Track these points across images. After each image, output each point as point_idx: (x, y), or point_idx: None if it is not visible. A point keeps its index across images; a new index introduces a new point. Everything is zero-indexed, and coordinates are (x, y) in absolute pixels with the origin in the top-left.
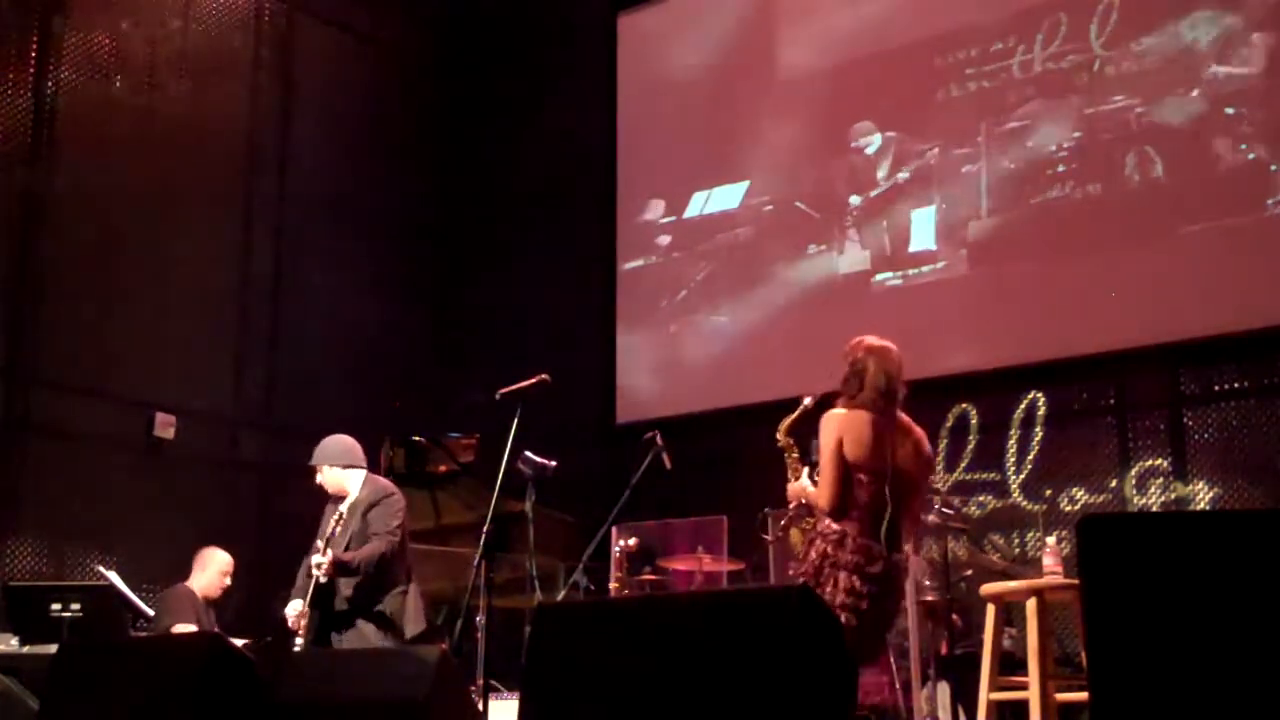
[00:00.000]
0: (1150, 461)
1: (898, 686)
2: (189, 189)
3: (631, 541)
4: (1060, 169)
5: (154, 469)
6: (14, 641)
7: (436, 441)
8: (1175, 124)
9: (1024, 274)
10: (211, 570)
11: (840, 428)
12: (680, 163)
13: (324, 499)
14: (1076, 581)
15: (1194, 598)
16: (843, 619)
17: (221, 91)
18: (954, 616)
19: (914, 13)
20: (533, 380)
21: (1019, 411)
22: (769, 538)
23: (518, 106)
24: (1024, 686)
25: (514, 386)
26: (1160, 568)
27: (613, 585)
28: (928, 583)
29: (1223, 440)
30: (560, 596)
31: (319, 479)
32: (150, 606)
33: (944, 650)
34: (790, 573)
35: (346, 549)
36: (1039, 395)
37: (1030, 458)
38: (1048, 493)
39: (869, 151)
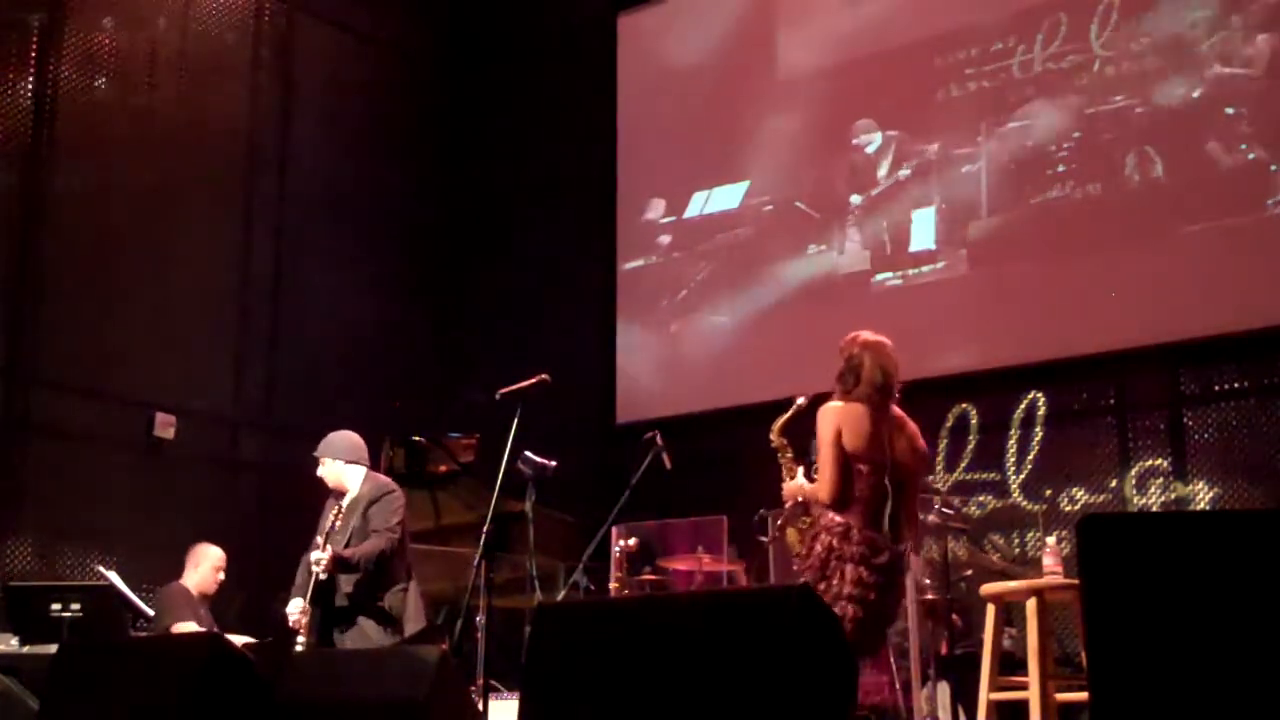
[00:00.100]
0: (1150, 461)
1: (898, 686)
2: (189, 189)
3: (631, 541)
4: (1060, 169)
5: (154, 469)
6: (14, 641)
7: (436, 441)
8: (1175, 124)
9: (1024, 274)
10: (205, 566)
11: (838, 419)
12: (680, 163)
13: (324, 496)
14: (1076, 581)
15: (1194, 598)
16: (849, 611)
17: (221, 91)
18: (954, 616)
19: (914, 13)
20: (533, 380)
21: (1019, 411)
22: (765, 539)
23: (518, 106)
24: (1024, 686)
25: (514, 386)
26: (1160, 568)
27: (613, 585)
28: (928, 582)
29: (1223, 440)
30: (560, 596)
31: (320, 471)
32: (149, 606)
33: (944, 650)
34: (795, 568)
35: (347, 545)
36: (1039, 395)
37: (1030, 458)
38: (1048, 493)
39: (869, 150)
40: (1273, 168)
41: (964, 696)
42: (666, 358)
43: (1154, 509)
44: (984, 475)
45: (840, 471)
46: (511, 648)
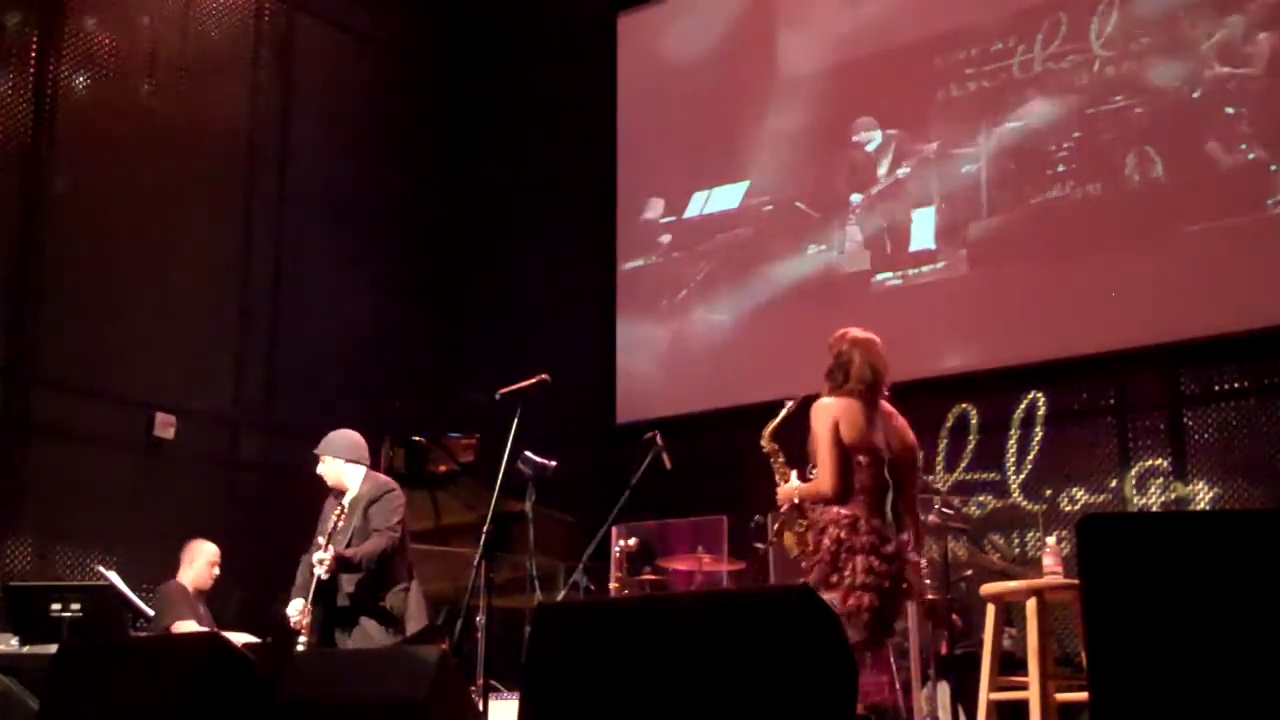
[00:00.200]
0: (1150, 461)
1: (898, 686)
2: (189, 189)
3: (631, 541)
4: (1060, 169)
5: (154, 469)
6: (14, 641)
7: (436, 441)
8: (1175, 124)
9: (1024, 274)
10: (200, 562)
11: (835, 413)
12: (680, 163)
13: (324, 496)
14: (1076, 581)
15: (1194, 598)
16: (865, 600)
17: (221, 91)
18: (954, 616)
19: (914, 13)
20: (533, 380)
21: (1019, 411)
22: (761, 546)
23: (518, 106)
24: (1024, 686)
25: (514, 386)
26: (1160, 568)
27: (613, 585)
28: (928, 582)
29: (1223, 440)
30: (560, 596)
31: (320, 469)
32: (148, 606)
33: (944, 650)
34: (803, 565)
35: (348, 545)
36: (1039, 395)
37: (1030, 458)
38: (1048, 493)
39: (869, 148)
40: (1273, 168)
41: (964, 696)
42: (666, 358)
43: (1154, 509)
44: (984, 475)
45: (841, 464)
46: (511, 648)
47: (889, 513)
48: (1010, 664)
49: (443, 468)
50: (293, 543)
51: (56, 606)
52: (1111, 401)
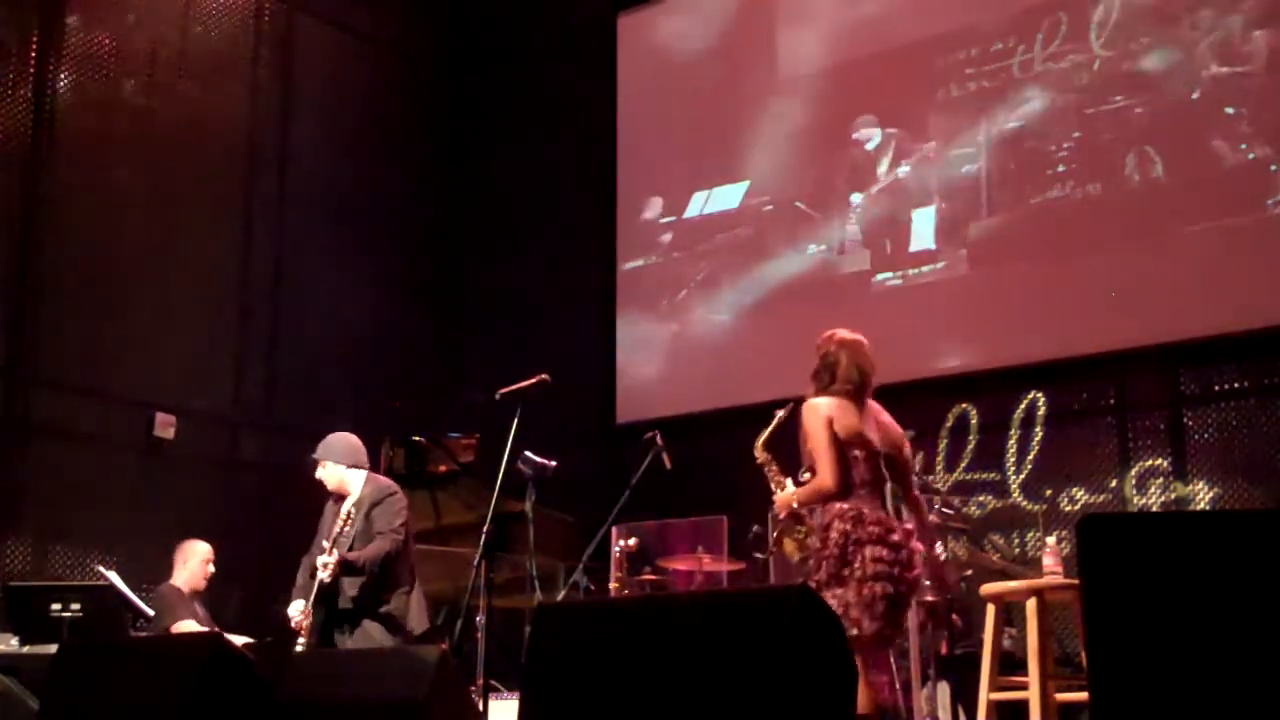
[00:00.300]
0: (1150, 461)
1: (898, 686)
2: (189, 189)
3: (631, 541)
4: (1060, 169)
5: (154, 469)
6: (14, 641)
7: (436, 441)
8: (1175, 124)
9: (1024, 274)
10: (194, 562)
11: (827, 411)
12: (680, 162)
13: (323, 496)
14: (1076, 581)
15: (1194, 598)
16: (878, 589)
17: (221, 91)
18: (954, 616)
19: (914, 13)
20: (533, 380)
21: (1019, 411)
22: (761, 556)
23: (518, 106)
24: (1024, 686)
25: (514, 386)
26: (1160, 568)
27: (613, 585)
28: (928, 583)
29: (1223, 440)
30: (560, 596)
31: (319, 474)
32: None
33: (944, 650)
34: (810, 562)
35: (350, 548)
36: (1039, 395)
37: (1030, 458)
38: (1048, 493)
39: (869, 147)
40: (1273, 168)
41: (964, 696)
42: (666, 358)
43: (1154, 509)
44: (984, 475)
45: (839, 459)
46: (511, 648)
47: (889, 504)
48: (1010, 664)
49: (443, 468)
50: (293, 543)
51: (56, 606)
52: (1111, 401)
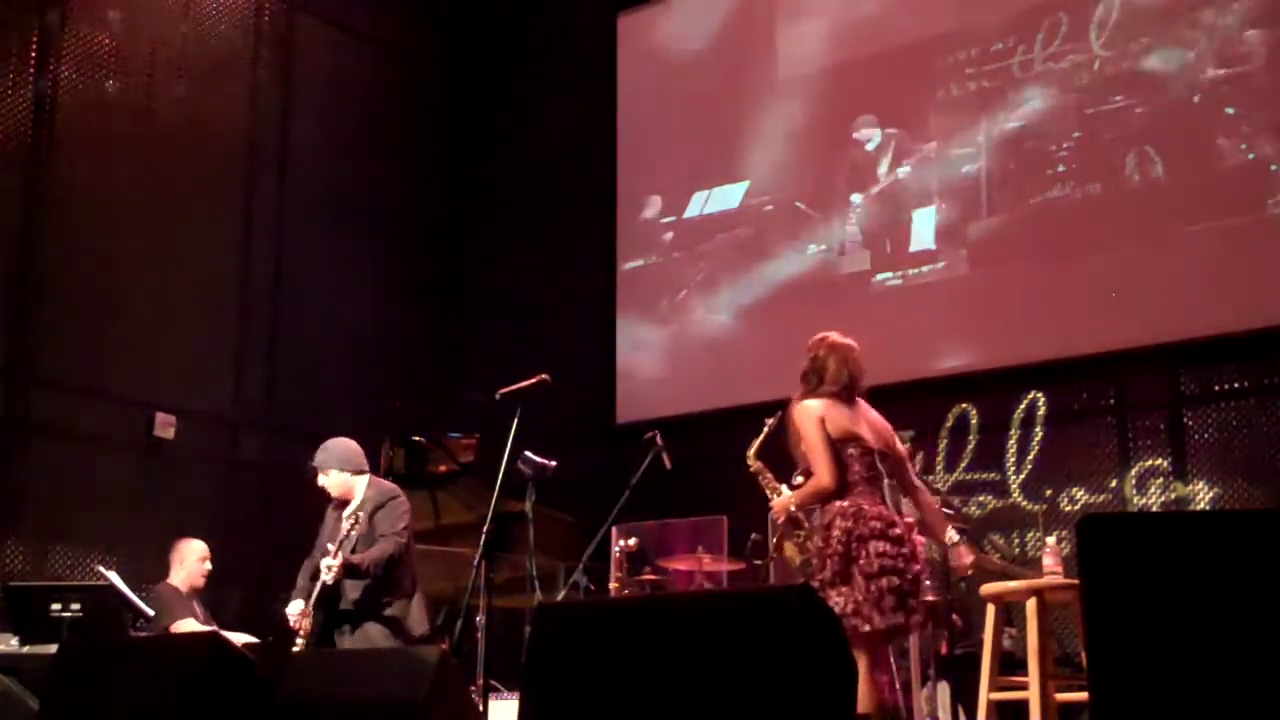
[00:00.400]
0: (1150, 461)
1: (898, 686)
2: (189, 189)
3: (631, 541)
4: (1060, 169)
5: (154, 469)
6: (14, 641)
7: (436, 441)
8: (1175, 124)
9: (1024, 274)
10: (190, 560)
11: (820, 411)
12: (680, 162)
13: (323, 498)
14: (1076, 581)
15: (1194, 598)
16: (885, 583)
17: (221, 91)
18: (954, 616)
19: (914, 13)
20: (533, 380)
21: (1019, 411)
22: (760, 563)
23: (518, 106)
24: (1024, 686)
25: (514, 386)
26: (1160, 568)
27: (613, 585)
28: (928, 582)
29: (1223, 440)
30: (560, 596)
31: (322, 482)
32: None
33: (944, 650)
34: (814, 561)
35: (353, 552)
36: (1039, 395)
37: (1030, 458)
38: (1048, 493)
39: (869, 147)
40: (1273, 168)
41: (964, 696)
42: (666, 358)
43: (1154, 509)
44: (984, 475)
45: (834, 457)
46: (511, 648)
47: (888, 500)
48: (1010, 664)
49: (443, 468)
50: (293, 543)
51: (56, 606)
52: (1111, 401)
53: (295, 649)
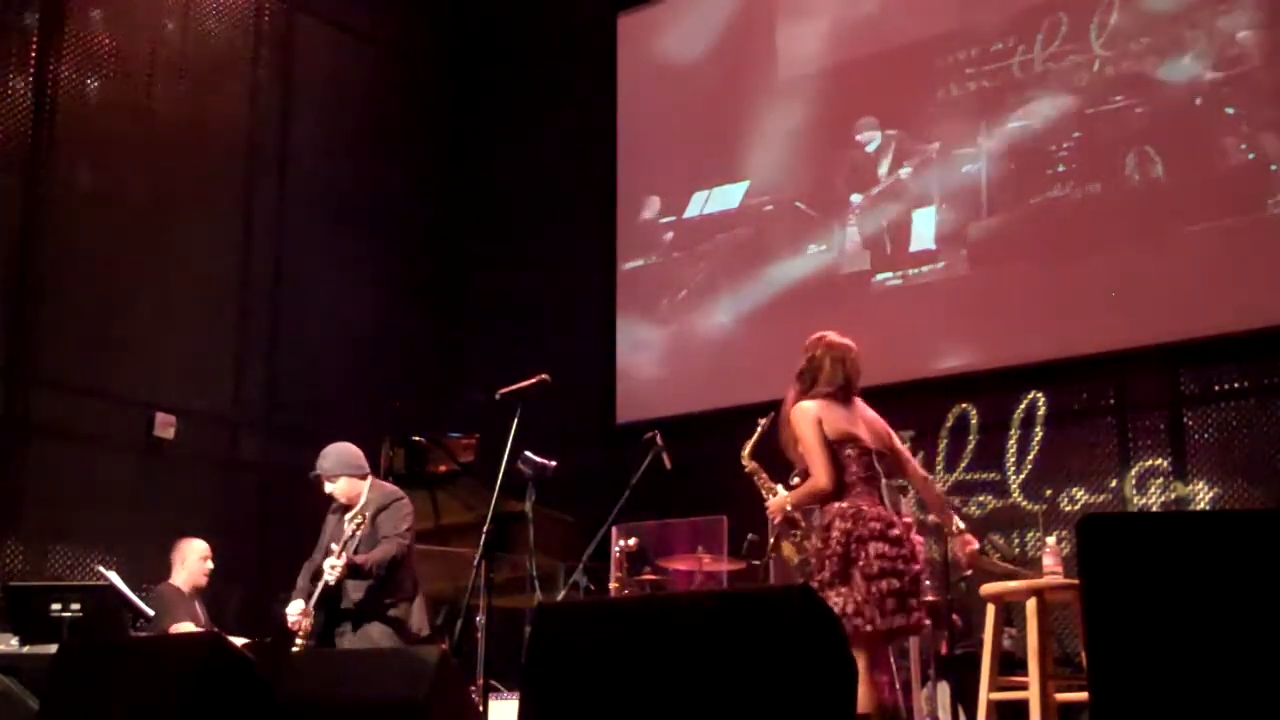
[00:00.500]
0: (1150, 461)
1: (898, 686)
2: (189, 189)
3: (631, 541)
4: (1060, 169)
5: (154, 469)
6: (14, 641)
7: (436, 441)
8: (1175, 124)
9: (1024, 274)
10: (192, 559)
11: (816, 412)
12: (680, 162)
13: (324, 501)
14: (1076, 581)
15: (1194, 598)
16: (884, 585)
17: (221, 91)
18: (954, 616)
19: (914, 13)
20: (533, 380)
21: (1019, 411)
22: (758, 563)
23: (518, 106)
24: (1024, 686)
25: (514, 386)
26: (1160, 568)
27: (613, 585)
28: (928, 582)
29: (1223, 440)
30: (560, 596)
31: (330, 489)
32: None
33: (944, 650)
34: (814, 561)
35: (356, 553)
36: (1039, 395)
37: (1030, 458)
38: (1048, 493)
39: (869, 149)
40: (1273, 168)
41: (964, 696)
42: (666, 358)
43: (1154, 509)
44: (984, 475)
45: (832, 458)
46: (511, 648)
47: (886, 500)
48: (1010, 664)
49: (443, 468)
50: (293, 543)
51: (56, 606)
52: (1111, 401)
53: (295, 649)
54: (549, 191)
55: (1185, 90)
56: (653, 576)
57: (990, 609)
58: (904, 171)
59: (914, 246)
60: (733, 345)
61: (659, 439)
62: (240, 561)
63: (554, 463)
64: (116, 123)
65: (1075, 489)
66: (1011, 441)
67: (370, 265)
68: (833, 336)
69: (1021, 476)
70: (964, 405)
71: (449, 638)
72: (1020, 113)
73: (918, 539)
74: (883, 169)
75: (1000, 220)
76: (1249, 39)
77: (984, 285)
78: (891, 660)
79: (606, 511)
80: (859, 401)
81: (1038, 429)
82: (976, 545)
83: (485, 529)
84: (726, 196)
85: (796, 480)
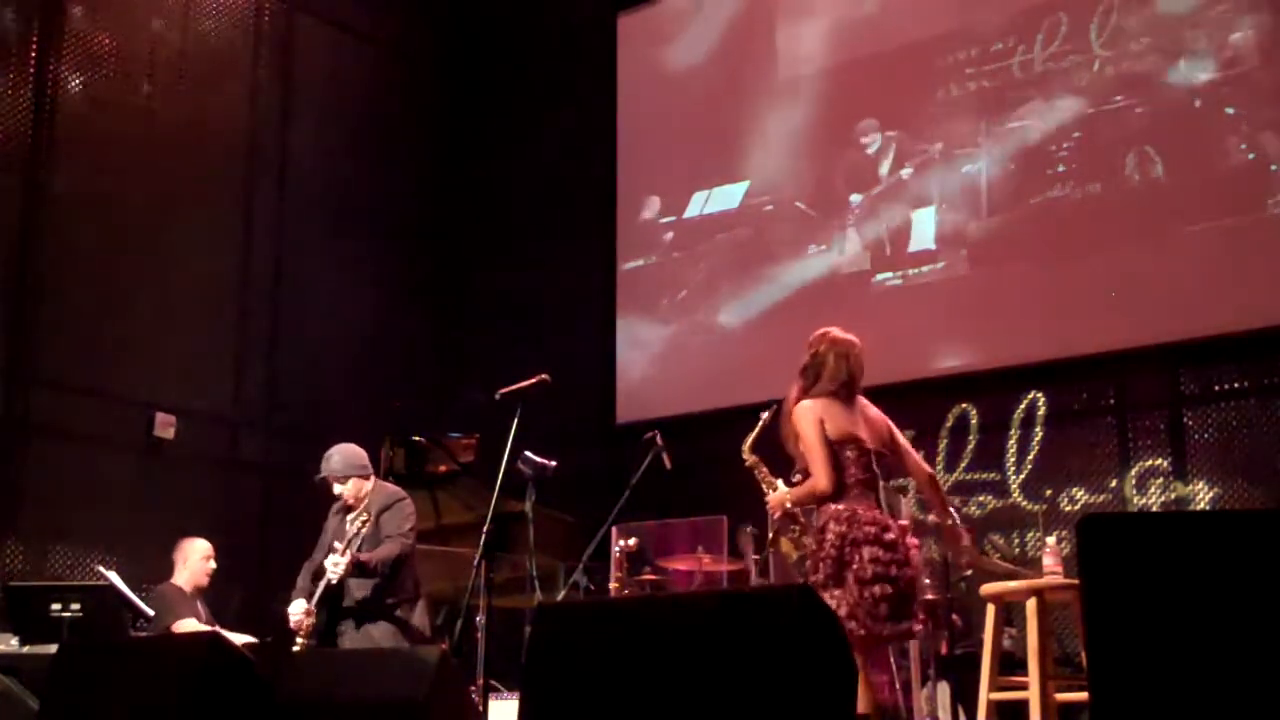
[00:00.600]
0: (1150, 461)
1: (898, 686)
2: (189, 189)
3: (631, 541)
4: (1060, 169)
5: (154, 469)
6: (14, 641)
7: (436, 441)
8: (1175, 124)
9: (1024, 274)
10: (194, 559)
11: (818, 412)
12: (680, 162)
13: (327, 500)
14: (1076, 581)
15: (1194, 598)
16: (877, 590)
17: (221, 91)
18: (954, 616)
19: (914, 13)
20: (533, 380)
21: (1019, 411)
22: (757, 558)
23: (518, 106)
24: (1024, 686)
25: (514, 386)
26: (1160, 568)
27: (613, 585)
28: (927, 582)
29: (1223, 440)
30: (560, 596)
31: (339, 490)
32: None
33: (944, 650)
34: (808, 562)
35: (359, 551)
36: (1039, 395)
37: (1030, 458)
38: (1048, 493)
39: (870, 150)
40: (1273, 168)
41: (964, 696)
42: (666, 358)
43: (1154, 509)
44: (984, 475)
45: (831, 460)
46: (511, 648)
47: (883, 502)
48: (1010, 664)
49: (443, 468)
50: (293, 543)
51: (56, 606)
52: (1111, 401)
53: (295, 649)
54: (549, 191)
55: (1185, 90)
56: (653, 576)
57: (990, 609)
58: (904, 172)
59: (914, 247)
60: (733, 345)
61: (659, 439)
62: (240, 561)
63: (554, 463)
64: (116, 123)
65: (1075, 489)
66: (1011, 441)
67: (370, 265)
68: (837, 332)
69: (1021, 476)
70: (964, 405)
71: (449, 638)
72: (1020, 113)
73: (913, 542)
74: (883, 169)
75: (1000, 220)
76: (1249, 39)
77: (984, 285)
78: (891, 660)
79: (606, 511)
80: (862, 400)
81: (1038, 429)
82: (969, 540)
83: (485, 529)
84: (726, 196)
85: (798, 477)
